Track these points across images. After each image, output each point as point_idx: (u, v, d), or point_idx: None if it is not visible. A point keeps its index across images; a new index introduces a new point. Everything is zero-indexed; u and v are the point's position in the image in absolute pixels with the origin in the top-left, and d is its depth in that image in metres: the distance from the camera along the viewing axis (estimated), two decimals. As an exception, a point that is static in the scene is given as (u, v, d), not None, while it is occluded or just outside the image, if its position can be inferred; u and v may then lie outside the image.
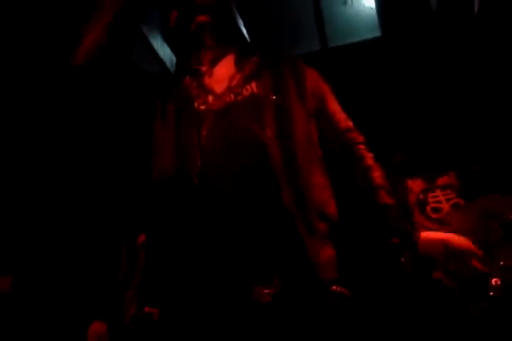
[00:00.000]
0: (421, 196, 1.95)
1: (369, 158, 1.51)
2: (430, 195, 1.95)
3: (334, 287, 1.28)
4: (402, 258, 1.61)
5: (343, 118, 1.55)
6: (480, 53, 3.09)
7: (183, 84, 1.53)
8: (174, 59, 2.07)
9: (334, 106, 1.56)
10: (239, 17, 1.72)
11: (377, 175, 1.47)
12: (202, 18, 1.52)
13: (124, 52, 1.46)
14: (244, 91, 1.46)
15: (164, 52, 3.44)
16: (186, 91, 1.50)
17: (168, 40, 1.67)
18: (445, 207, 1.92)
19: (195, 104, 1.45)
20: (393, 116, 2.81)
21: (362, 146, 1.53)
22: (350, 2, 3.37)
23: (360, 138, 1.54)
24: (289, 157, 1.35)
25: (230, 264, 1.27)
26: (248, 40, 1.74)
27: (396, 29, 3.31)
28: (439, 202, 1.91)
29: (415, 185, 2.00)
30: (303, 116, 1.45)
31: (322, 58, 3.49)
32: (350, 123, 1.56)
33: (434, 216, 1.88)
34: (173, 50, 1.77)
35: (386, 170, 1.53)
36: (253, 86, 1.47)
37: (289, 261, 1.26)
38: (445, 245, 1.47)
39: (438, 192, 1.95)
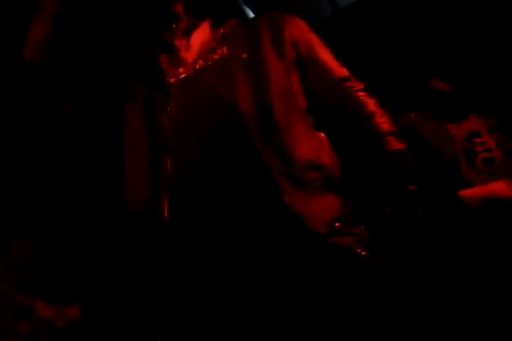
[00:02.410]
0: (467, 145, 1.59)
1: (371, 104, 1.40)
2: (477, 141, 1.58)
3: (331, 239, 1.19)
4: (419, 209, 1.41)
5: (336, 67, 1.45)
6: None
7: (156, 62, 1.47)
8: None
9: (324, 55, 1.45)
10: None
11: (383, 121, 1.37)
12: None
13: (73, 39, 1.44)
14: (215, 56, 1.39)
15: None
16: (158, 69, 1.45)
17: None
18: (497, 155, 1.56)
19: (166, 79, 1.41)
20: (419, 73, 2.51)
21: (362, 93, 1.42)
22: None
23: (360, 86, 1.43)
24: (266, 114, 1.28)
25: (212, 231, 1.21)
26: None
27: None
28: (489, 149, 1.55)
29: (458, 131, 1.65)
30: (279, 69, 1.37)
31: (335, 23, 3.16)
32: (346, 72, 1.45)
33: (484, 168, 1.51)
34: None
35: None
36: (224, 49, 1.41)
37: (276, 219, 1.19)
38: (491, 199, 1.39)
39: (486, 137, 1.58)
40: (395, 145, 1.33)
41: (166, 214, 1.22)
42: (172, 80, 1.39)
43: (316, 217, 1.18)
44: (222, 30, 1.46)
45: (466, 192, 1.35)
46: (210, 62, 1.38)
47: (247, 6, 3.24)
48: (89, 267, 2.96)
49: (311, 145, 1.29)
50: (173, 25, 1.46)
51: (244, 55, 1.36)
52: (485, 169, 1.55)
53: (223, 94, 1.31)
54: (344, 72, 1.44)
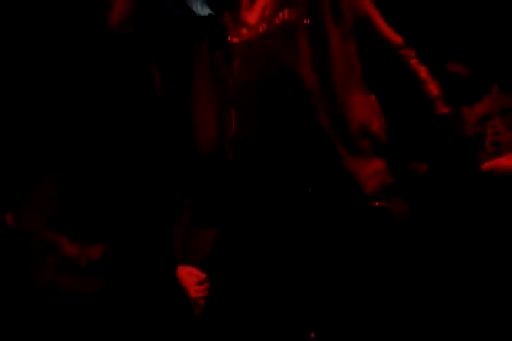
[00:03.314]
0: (478, 128, 1.72)
1: (423, 72, 1.50)
2: (489, 124, 1.71)
3: (376, 203, 1.29)
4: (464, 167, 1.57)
5: (391, 35, 1.52)
6: None
7: (219, 21, 1.56)
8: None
9: (380, 22, 1.52)
10: None
11: (433, 87, 1.47)
12: None
13: (152, 11, 1.54)
14: (276, 20, 1.45)
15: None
16: (221, 27, 1.54)
17: None
18: (504, 138, 1.68)
19: (229, 38, 1.49)
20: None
21: (414, 60, 1.51)
22: None
23: (412, 53, 1.52)
24: (326, 80, 1.36)
25: (266, 187, 1.32)
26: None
27: None
28: (497, 133, 1.68)
29: (472, 113, 1.76)
30: (339, 36, 1.43)
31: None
32: (400, 39, 1.53)
33: (492, 150, 1.65)
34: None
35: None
36: (285, 13, 1.45)
37: (329, 180, 1.30)
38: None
39: (497, 121, 1.70)
40: (444, 109, 1.45)
41: (230, 157, 1.37)
42: (235, 40, 1.48)
43: (367, 181, 1.31)
44: None
45: (484, 166, 1.50)
46: (272, 26, 1.45)
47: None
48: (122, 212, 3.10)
49: (365, 112, 1.39)
50: None
51: (306, 21, 1.42)
52: (493, 150, 1.64)
53: (285, 59, 1.39)
54: (399, 39, 1.52)
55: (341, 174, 1.29)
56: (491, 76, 1.80)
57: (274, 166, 1.33)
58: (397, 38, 1.52)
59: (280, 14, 1.45)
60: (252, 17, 1.50)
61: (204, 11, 3.56)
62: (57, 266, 2.93)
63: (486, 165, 1.47)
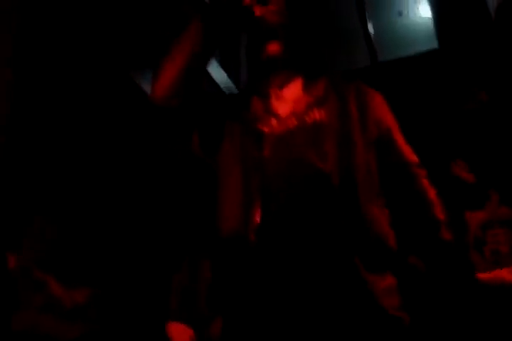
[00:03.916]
0: (479, 233, 1.81)
1: (432, 193, 1.50)
2: (490, 232, 1.80)
3: (393, 310, 1.27)
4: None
5: (408, 152, 1.54)
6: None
7: (250, 106, 1.57)
8: (229, 82, 2.06)
9: (399, 139, 1.55)
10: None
11: (439, 211, 1.47)
12: (272, 47, 1.54)
13: (196, 86, 1.56)
14: (307, 118, 1.48)
15: (219, 76, 3.35)
16: (252, 113, 1.54)
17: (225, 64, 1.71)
18: (504, 249, 1.78)
19: (259, 126, 1.49)
20: (452, 135, 2.68)
21: (426, 181, 1.52)
22: (405, 12, 3.23)
23: (424, 172, 1.53)
24: (349, 188, 1.36)
25: (285, 293, 1.27)
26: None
27: (454, 40, 3.16)
28: (498, 242, 1.78)
29: (473, 218, 1.86)
30: (363, 145, 1.46)
31: (372, 74, 3.32)
32: (416, 158, 1.55)
33: (491, 258, 1.74)
34: (231, 74, 1.79)
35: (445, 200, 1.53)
36: (316, 113, 1.49)
37: (347, 293, 1.26)
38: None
39: (498, 230, 1.80)
40: (447, 235, 1.44)
41: (252, 242, 1.32)
42: (266, 130, 1.48)
43: (383, 297, 1.29)
44: (315, 92, 1.55)
45: (483, 276, 1.57)
46: (302, 124, 1.46)
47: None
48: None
49: (383, 227, 1.38)
50: (271, 76, 1.55)
51: (335, 126, 1.46)
52: (491, 259, 1.74)
53: (313, 158, 1.40)
54: (415, 158, 1.54)
55: (357, 283, 1.29)
56: (492, 185, 1.90)
57: (293, 260, 1.31)
58: (413, 157, 1.55)
59: (311, 114, 1.49)
60: (282, 108, 1.53)
61: (220, 72, 3.69)
62: (43, 306, 2.94)
63: (484, 275, 1.53)
